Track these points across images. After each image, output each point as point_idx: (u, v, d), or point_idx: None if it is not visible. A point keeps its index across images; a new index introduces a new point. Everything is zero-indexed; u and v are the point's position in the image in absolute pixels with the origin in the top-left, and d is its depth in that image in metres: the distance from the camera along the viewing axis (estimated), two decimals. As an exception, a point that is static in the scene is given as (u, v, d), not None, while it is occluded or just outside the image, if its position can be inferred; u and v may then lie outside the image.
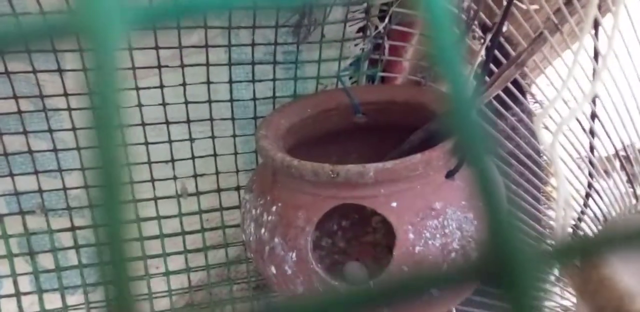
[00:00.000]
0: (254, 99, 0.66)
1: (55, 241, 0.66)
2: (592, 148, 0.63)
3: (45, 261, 0.66)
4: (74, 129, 0.62)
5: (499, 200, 0.13)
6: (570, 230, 0.65)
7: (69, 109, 0.61)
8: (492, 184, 0.13)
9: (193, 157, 0.67)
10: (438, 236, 0.44)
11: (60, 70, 0.59)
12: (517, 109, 0.65)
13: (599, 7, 0.58)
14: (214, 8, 0.13)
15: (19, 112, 0.60)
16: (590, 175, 0.63)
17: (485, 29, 0.61)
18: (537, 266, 0.12)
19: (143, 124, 0.63)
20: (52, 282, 0.67)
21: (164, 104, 0.63)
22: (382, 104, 0.60)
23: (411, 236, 0.44)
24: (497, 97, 0.61)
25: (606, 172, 0.63)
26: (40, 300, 0.66)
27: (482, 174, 0.13)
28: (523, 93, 0.65)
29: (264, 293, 0.76)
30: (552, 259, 0.12)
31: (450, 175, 0.46)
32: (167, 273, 0.70)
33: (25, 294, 0.66)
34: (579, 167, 0.64)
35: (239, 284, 0.75)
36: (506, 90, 0.62)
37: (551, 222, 0.68)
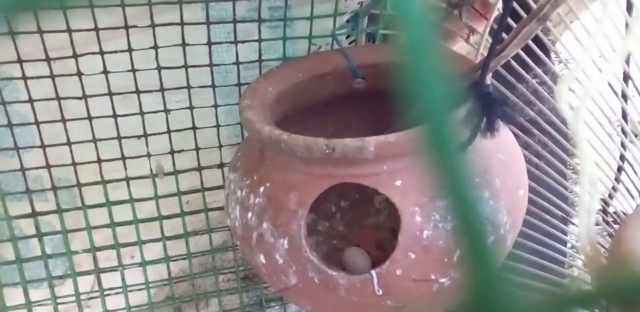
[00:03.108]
0: (237, 63, 0.65)
1: (15, 228, 0.66)
2: (624, 114, 0.63)
3: (4, 251, 0.67)
4: (30, 100, 0.61)
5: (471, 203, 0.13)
6: (599, 208, 0.65)
7: (25, 77, 0.60)
8: (457, 168, 0.13)
9: (169, 131, 0.66)
10: (449, 218, 0.44)
11: (12, 33, 0.58)
12: (539, 70, 0.65)
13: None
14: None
15: (-33, 82, 0.60)
16: (623, 145, 0.63)
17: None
18: None
19: (110, 94, 0.63)
20: (13, 275, 0.67)
21: (133, 70, 0.62)
22: (384, 66, 0.60)
23: (418, 218, 0.44)
24: (516, 57, 0.60)
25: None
26: (0, 295, 0.66)
27: (440, 145, 0.12)
28: (546, 52, 0.65)
29: (253, 284, 0.77)
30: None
31: (462, 148, 0.46)
32: (144, 263, 0.70)
33: (-17, 289, 0.66)
34: (610, 137, 0.64)
35: (225, 274, 0.76)
36: (526, 49, 0.61)
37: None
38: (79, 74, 0.61)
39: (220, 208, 0.71)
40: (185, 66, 0.64)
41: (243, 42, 0.65)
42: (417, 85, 0.13)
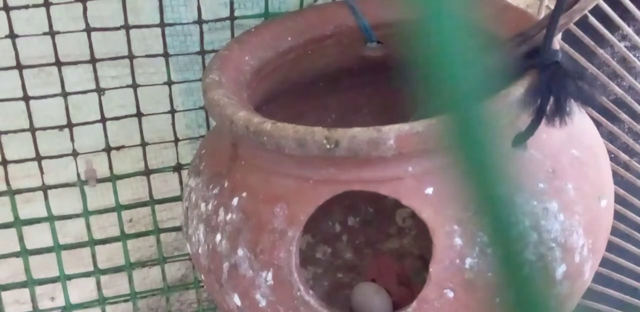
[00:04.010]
0: (200, 21, 0.65)
1: None
2: None
3: None
4: None
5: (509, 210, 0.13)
6: None
7: None
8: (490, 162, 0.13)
9: (103, 120, 0.66)
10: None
11: None
12: (628, 30, 0.65)
13: None
14: None
15: None
16: None
17: None
18: None
19: (19, 67, 0.63)
20: None
21: (51, 33, 0.62)
22: (408, 25, 0.60)
23: (458, 240, 0.44)
24: (596, 11, 0.61)
25: None
26: None
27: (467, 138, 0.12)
28: (638, 3, 0.65)
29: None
30: None
31: (519, 141, 0.46)
32: (69, 307, 0.70)
33: None
34: None
35: (186, 321, 0.76)
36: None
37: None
38: (-25, 38, 0.61)
39: (178, 228, 0.71)
40: (126, 27, 0.64)
41: (208, -8, 0.65)
42: (449, 52, 0.13)
